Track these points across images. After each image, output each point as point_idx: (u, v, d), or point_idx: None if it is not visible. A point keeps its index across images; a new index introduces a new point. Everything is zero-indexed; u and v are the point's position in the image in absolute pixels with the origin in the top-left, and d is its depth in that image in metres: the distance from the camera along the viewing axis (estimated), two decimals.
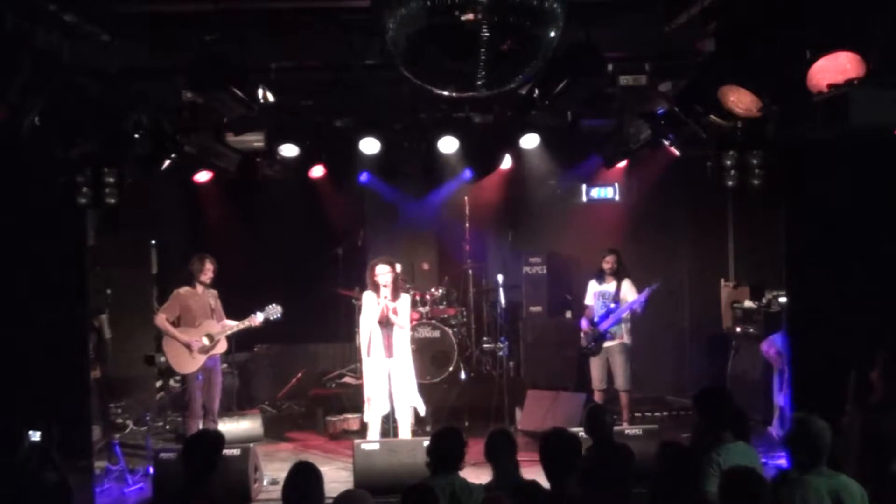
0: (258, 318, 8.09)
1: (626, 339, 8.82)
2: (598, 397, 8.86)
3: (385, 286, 7.77)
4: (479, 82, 4.15)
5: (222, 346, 8.06)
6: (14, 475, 5.24)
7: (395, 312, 7.79)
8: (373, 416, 7.90)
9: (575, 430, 6.60)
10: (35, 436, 5.69)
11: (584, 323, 9.03)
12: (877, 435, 4.59)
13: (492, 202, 10.67)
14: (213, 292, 8.12)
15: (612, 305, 8.79)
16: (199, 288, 7.99)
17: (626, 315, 8.79)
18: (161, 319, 7.90)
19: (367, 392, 7.92)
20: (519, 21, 3.85)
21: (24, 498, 5.05)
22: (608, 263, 8.91)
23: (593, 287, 9.06)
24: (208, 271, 7.96)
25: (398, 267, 8.20)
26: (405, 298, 8.06)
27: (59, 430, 5.76)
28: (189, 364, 7.87)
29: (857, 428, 4.54)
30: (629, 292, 8.81)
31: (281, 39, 6.39)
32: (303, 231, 10.67)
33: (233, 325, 8.08)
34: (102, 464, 7.84)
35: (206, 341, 7.89)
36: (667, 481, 4.36)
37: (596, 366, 8.90)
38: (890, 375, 5.38)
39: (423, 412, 8.15)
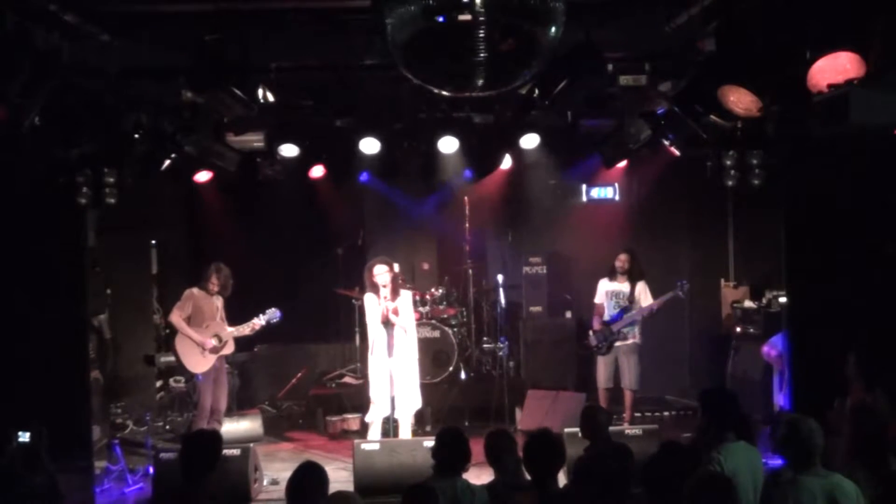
0: (259, 322, 8.12)
1: (638, 339, 8.83)
2: (602, 396, 8.89)
3: (384, 286, 7.78)
4: (479, 83, 4.15)
5: (230, 348, 8.14)
6: (1, 476, 5.16)
7: (395, 312, 7.80)
8: (374, 417, 7.92)
9: (573, 430, 6.64)
10: (24, 437, 5.61)
11: (595, 322, 8.99)
12: (875, 434, 4.58)
13: (492, 202, 10.64)
14: (221, 297, 8.19)
15: (626, 305, 8.79)
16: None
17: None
18: (176, 317, 7.98)
19: (371, 394, 7.94)
20: (519, 21, 3.85)
21: (11, 500, 4.99)
22: (620, 262, 8.90)
23: (604, 286, 9.03)
24: (214, 284, 8.03)
25: (395, 266, 8.19)
26: (406, 296, 8.06)
27: (48, 431, 5.66)
28: (200, 364, 7.95)
29: (849, 425, 4.53)
30: (644, 294, 8.80)
31: (281, 39, 6.38)
32: (303, 231, 10.65)
33: (233, 332, 8.11)
34: (102, 464, 7.83)
35: (214, 342, 7.96)
36: (665, 481, 4.34)
37: (604, 365, 8.88)
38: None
39: (419, 405, 8.13)
